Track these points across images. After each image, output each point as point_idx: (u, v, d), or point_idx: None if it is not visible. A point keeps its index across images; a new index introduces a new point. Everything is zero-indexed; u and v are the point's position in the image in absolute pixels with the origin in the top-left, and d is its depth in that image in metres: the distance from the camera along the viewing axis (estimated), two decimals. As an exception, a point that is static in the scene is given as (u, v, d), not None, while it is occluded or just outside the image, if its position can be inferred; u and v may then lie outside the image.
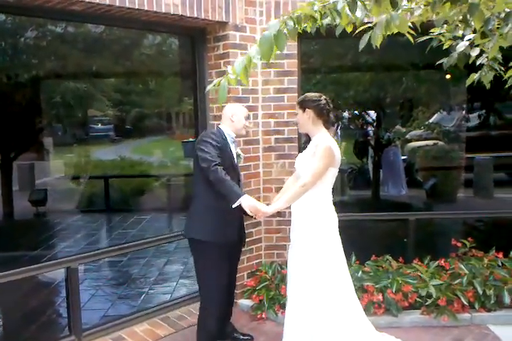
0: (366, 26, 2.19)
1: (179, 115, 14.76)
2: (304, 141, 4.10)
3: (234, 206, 3.09)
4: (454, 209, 7.03)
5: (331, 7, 2.03)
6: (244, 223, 3.63)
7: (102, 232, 7.60)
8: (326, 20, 2.11)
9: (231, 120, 3.40)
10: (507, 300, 4.00)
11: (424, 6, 2.15)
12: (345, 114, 8.12)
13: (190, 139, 6.06)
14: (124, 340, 3.77)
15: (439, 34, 2.55)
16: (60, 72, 8.12)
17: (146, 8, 3.48)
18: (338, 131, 8.62)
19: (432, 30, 2.57)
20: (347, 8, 1.99)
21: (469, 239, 4.48)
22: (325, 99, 3.24)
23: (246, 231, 3.78)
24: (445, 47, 2.59)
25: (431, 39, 2.59)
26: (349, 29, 2.21)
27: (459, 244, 4.46)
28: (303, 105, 3.22)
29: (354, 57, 6.48)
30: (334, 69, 7.19)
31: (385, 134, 7.93)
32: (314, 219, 3.17)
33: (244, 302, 4.30)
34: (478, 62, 2.56)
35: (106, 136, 14.74)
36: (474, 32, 2.26)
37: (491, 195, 7.95)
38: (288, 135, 4.41)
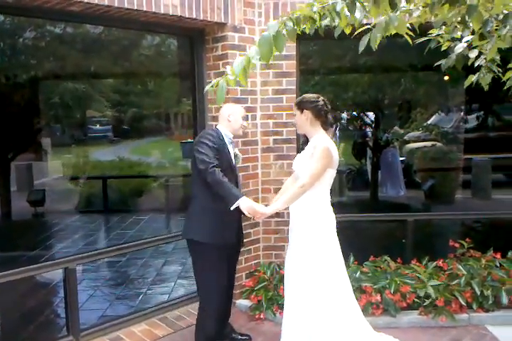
0: (365, 28, 2.20)
1: (178, 116, 14.75)
2: (302, 142, 4.10)
3: (232, 208, 3.10)
4: (452, 210, 7.05)
5: (330, 8, 2.04)
6: (243, 224, 3.63)
7: (100, 233, 7.59)
8: (325, 22, 2.12)
9: (228, 120, 3.40)
10: (505, 300, 4.00)
11: (423, 7, 2.15)
12: (344, 115, 8.13)
13: (189, 140, 6.07)
14: (122, 340, 3.77)
15: (438, 35, 2.56)
16: (58, 73, 8.12)
17: (144, 8, 3.49)
18: (337, 132, 8.63)
19: (430, 32, 2.58)
20: (346, 9, 2.00)
21: (467, 239, 4.49)
22: (323, 100, 3.24)
23: (244, 232, 3.78)
24: (443, 48, 2.59)
25: (429, 40, 2.59)
26: (348, 30, 2.22)
27: (457, 245, 4.47)
28: (301, 106, 3.23)
29: (353, 59, 6.49)
30: (333, 70, 7.20)
31: (384, 135, 7.94)
32: (312, 220, 3.18)
33: (242, 303, 4.30)
34: (476, 64, 2.57)
35: (104, 136, 14.74)
36: (473, 33, 2.26)
37: (489, 196, 7.97)
38: (286, 136, 4.42)
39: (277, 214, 4.07)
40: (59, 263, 3.64)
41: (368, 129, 8.28)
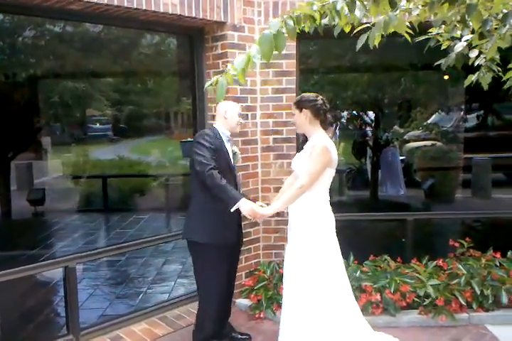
0: (364, 26, 2.20)
1: (177, 115, 14.75)
2: (301, 141, 4.10)
3: (232, 210, 3.10)
4: (452, 209, 7.05)
5: (330, 7, 2.04)
6: (242, 223, 3.63)
7: (100, 232, 7.59)
8: (325, 20, 2.11)
9: (224, 117, 3.39)
10: (505, 300, 4.00)
11: (422, 6, 2.15)
12: (344, 115, 8.13)
13: (189, 139, 6.05)
14: (122, 339, 3.77)
15: (437, 34, 2.56)
16: (58, 72, 8.12)
17: (144, 7, 3.48)
18: (337, 131, 8.63)
19: (429, 31, 2.58)
20: (346, 8, 2.00)
21: (467, 239, 4.49)
22: (322, 99, 3.23)
23: (244, 231, 3.78)
24: (443, 47, 2.59)
25: (429, 39, 2.59)
26: (347, 29, 2.22)
27: (457, 244, 4.47)
28: (300, 105, 3.22)
29: (352, 58, 6.48)
30: (332, 69, 7.20)
31: (384, 135, 7.94)
32: (311, 219, 3.17)
33: (242, 302, 4.30)
34: (476, 63, 2.57)
35: (104, 135, 14.73)
36: (472, 32, 2.26)
37: (489, 195, 7.97)
38: (286, 135, 4.41)
39: (277, 214, 4.05)
40: (59, 262, 3.65)
41: (367, 128, 8.28)
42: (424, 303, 3.97)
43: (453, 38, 2.50)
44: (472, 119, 8.67)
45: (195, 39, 4.28)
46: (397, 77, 7.07)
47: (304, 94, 3.32)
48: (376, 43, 2.14)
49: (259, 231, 4.50)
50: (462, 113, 8.69)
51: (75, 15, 3.53)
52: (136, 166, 10.83)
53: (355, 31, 2.24)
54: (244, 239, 3.80)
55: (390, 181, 7.81)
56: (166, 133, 14.29)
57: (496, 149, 7.85)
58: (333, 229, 3.24)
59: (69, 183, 9.79)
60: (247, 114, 4.30)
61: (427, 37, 2.61)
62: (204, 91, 4.22)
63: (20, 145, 7.62)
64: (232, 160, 3.42)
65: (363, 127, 8.30)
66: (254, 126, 4.38)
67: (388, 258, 4.45)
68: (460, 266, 4.19)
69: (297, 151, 3.94)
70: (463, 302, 3.97)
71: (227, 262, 3.41)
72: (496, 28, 2.10)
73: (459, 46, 2.38)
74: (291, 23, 2.05)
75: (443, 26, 2.47)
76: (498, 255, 4.41)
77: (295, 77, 4.38)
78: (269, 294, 4.13)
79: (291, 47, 4.25)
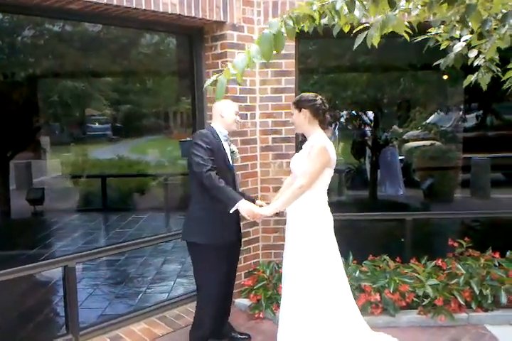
0: (363, 26, 2.20)
1: (177, 114, 14.72)
2: (300, 141, 4.10)
3: (231, 211, 3.10)
4: (451, 209, 7.06)
5: (329, 7, 2.04)
6: (242, 222, 3.63)
7: (99, 231, 7.59)
8: (324, 20, 2.12)
9: (221, 116, 3.38)
10: (504, 300, 4.01)
11: (422, 6, 2.15)
12: (343, 114, 8.13)
13: (188, 138, 6.05)
14: (122, 339, 3.77)
15: (436, 34, 2.56)
16: (57, 71, 8.11)
17: (143, 7, 3.48)
18: (336, 131, 8.64)
19: (429, 31, 2.58)
20: (345, 8, 2.00)
21: (466, 239, 4.49)
22: (321, 99, 3.23)
23: (243, 231, 3.79)
24: (442, 47, 2.59)
25: (428, 39, 2.59)
26: (346, 29, 2.22)
27: (456, 244, 4.47)
28: (299, 105, 3.22)
29: (352, 58, 6.49)
30: (332, 69, 7.19)
31: (383, 134, 7.95)
32: (309, 219, 3.17)
33: (241, 302, 4.30)
34: (475, 64, 2.57)
35: (103, 135, 14.71)
36: (471, 33, 2.26)
37: (488, 195, 7.97)
38: (285, 134, 4.41)
39: (276, 213, 4.06)
40: (58, 262, 3.64)
41: (367, 128, 8.28)
42: (424, 303, 3.97)
43: (452, 38, 2.50)
44: (471, 119, 8.68)
45: (195, 39, 4.28)
46: (396, 76, 7.07)
47: (303, 93, 3.32)
48: (375, 43, 2.14)
49: (258, 231, 4.50)
50: (461, 113, 8.69)
51: (75, 15, 3.53)
52: (136, 166, 10.83)
53: (354, 31, 2.24)
54: (243, 239, 3.81)
55: (389, 181, 7.81)
56: (165, 133, 14.28)
57: (495, 149, 7.85)
58: (332, 229, 3.24)
59: (68, 183, 9.79)
60: (247, 114, 4.30)
61: (426, 37, 2.61)
62: (203, 91, 4.22)
63: (20, 144, 7.62)
64: (230, 159, 3.41)
65: (362, 127, 8.30)
66: (254, 125, 4.38)
67: (387, 258, 4.45)
68: (459, 266, 4.20)
69: (296, 151, 3.94)
70: (462, 302, 3.97)
71: (226, 262, 3.41)
72: (495, 29, 2.10)
73: (458, 46, 2.38)
74: (290, 23, 2.05)
75: (442, 26, 2.48)
76: (497, 255, 4.41)
77: (294, 77, 4.38)
78: (269, 294, 4.13)
79: (290, 47, 4.25)
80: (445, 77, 6.82)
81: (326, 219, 3.21)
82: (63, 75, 8.42)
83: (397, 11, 2.04)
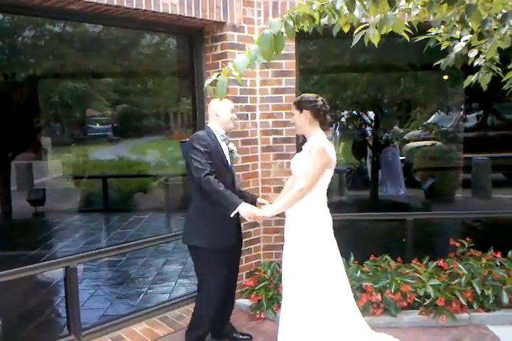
0: (363, 26, 2.20)
1: (177, 115, 14.74)
2: (301, 141, 4.10)
3: (232, 215, 3.10)
4: (452, 209, 7.06)
5: (329, 6, 2.04)
6: (242, 223, 3.62)
7: (100, 232, 7.60)
8: (324, 20, 2.11)
9: (216, 115, 3.36)
10: (505, 300, 4.00)
11: (421, 6, 2.15)
12: (344, 114, 8.13)
13: (188, 139, 6.05)
14: (123, 340, 3.77)
15: (437, 34, 2.56)
16: (58, 72, 8.12)
17: (144, 7, 3.49)
18: (337, 131, 8.64)
19: (429, 31, 2.58)
20: (345, 8, 2.00)
21: (467, 239, 4.48)
22: (322, 100, 3.22)
23: (244, 232, 3.78)
24: (442, 48, 2.59)
25: (428, 39, 2.59)
26: (346, 29, 2.22)
27: (458, 244, 4.47)
28: (300, 106, 3.21)
29: (352, 58, 6.49)
30: (332, 69, 7.20)
31: (384, 134, 7.95)
32: (308, 219, 3.17)
33: (243, 302, 4.30)
34: (475, 64, 2.56)
35: (104, 135, 14.73)
36: (472, 33, 2.26)
37: (489, 195, 7.97)
38: (286, 135, 4.41)
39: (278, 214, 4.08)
40: (60, 262, 3.64)
41: (367, 128, 8.28)
42: (425, 303, 3.96)
43: (452, 39, 2.50)
44: (472, 119, 8.68)
45: (195, 39, 4.28)
46: (396, 77, 7.08)
47: (303, 94, 3.31)
48: (376, 43, 2.14)
49: (259, 232, 4.50)
50: (462, 113, 8.69)
51: (75, 16, 3.54)
52: (136, 166, 10.83)
53: (355, 31, 2.24)
54: (244, 240, 3.81)
55: (390, 181, 7.81)
56: (165, 134, 14.29)
57: (496, 149, 7.84)
58: (331, 230, 3.23)
59: (69, 183, 9.80)
60: (247, 114, 4.30)
61: (426, 37, 2.61)
62: (204, 92, 4.22)
63: (20, 145, 7.63)
64: (228, 159, 3.40)
65: (363, 127, 8.30)
66: (254, 126, 4.38)
67: (389, 258, 4.44)
68: (461, 266, 4.19)
69: (297, 151, 3.94)
70: (464, 303, 3.96)
71: (227, 266, 3.40)
72: (495, 29, 2.10)
73: (458, 46, 2.38)
74: (290, 23, 2.05)
75: (442, 26, 2.47)
76: (499, 255, 4.40)
77: (295, 77, 4.38)
78: (270, 294, 4.13)
79: (290, 47, 4.25)
80: (445, 77, 6.82)
81: (325, 220, 3.21)
82: (64, 76, 8.44)
83: (397, 10, 2.04)
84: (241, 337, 3.72)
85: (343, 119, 8.26)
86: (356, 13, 2.03)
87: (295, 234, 3.21)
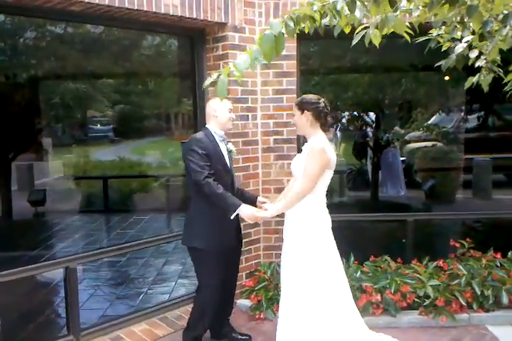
0: (364, 26, 2.20)
1: (178, 116, 14.76)
2: (302, 142, 4.10)
3: (232, 217, 3.10)
4: (452, 210, 7.05)
5: (330, 7, 2.04)
6: (242, 224, 3.62)
7: (100, 232, 7.60)
8: (325, 21, 2.12)
9: (214, 115, 3.34)
10: (505, 300, 4.00)
11: (423, 7, 2.15)
12: (345, 115, 8.14)
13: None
14: (123, 340, 3.77)
15: (438, 35, 2.56)
16: (59, 73, 8.14)
17: (145, 8, 3.49)
18: (338, 132, 8.64)
19: (430, 32, 2.58)
20: (346, 8, 2.00)
21: (468, 239, 4.48)
22: (323, 101, 3.21)
23: (244, 232, 3.78)
24: (444, 48, 2.59)
25: (429, 40, 2.59)
26: (347, 30, 2.22)
27: (458, 245, 4.47)
28: (301, 107, 3.20)
29: (353, 59, 6.50)
30: (333, 70, 7.20)
31: (384, 135, 7.95)
32: (307, 220, 3.16)
33: (242, 303, 4.30)
34: (476, 65, 2.57)
35: (105, 136, 14.75)
36: (473, 34, 2.26)
37: (490, 196, 7.97)
38: (287, 136, 4.42)
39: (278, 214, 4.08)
40: (60, 263, 3.65)
41: (368, 129, 8.29)
42: (425, 304, 3.97)
43: (453, 39, 2.50)
44: (473, 120, 8.69)
45: (196, 40, 4.28)
46: (397, 77, 7.08)
47: (305, 95, 3.30)
48: (377, 43, 2.14)
49: (259, 232, 4.50)
50: (463, 114, 8.70)
51: (76, 17, 3.54)
52: (137, 167, 10.84)
53: (356, 32, 2.24)
54: (244, 240, 3.81)
55: (390, 182, 7.82)
56: (166, 134, 14.30)
57: (497, 150, 7.85)
58: (330, 230, 3.23)
59: (70, 184, 9.80)
60: (248, 115, 4.30)
61: (427, 38, 2.61)
62: (205, 92, 4.22)
63: (21, 146, 7.64)
64: (227, 159, 3.39)
65: (364, 128, 8.31)
66: (255, 126, 4.39)
67: (389, 258, 4.45)
68: (460, 267, 4.19)
69: (298, 152, 3.94)
70: (463, 303, 3.97)
71: (226, 267, 3.40)
72: (496, 30, 2.10)
73: (460, 47, 2.38)
74: (291, 23, 2.05)
75: (443, 27, 2.47)
76: (499, 255, 4.40)
77: (296, 78, 4.38)
78: (270, 295, 4.13)
79: (291, 48, 4.24)
80: (446, 78, 6.83)
81: (324, 221, 3.21)
82: (65, 77, 8.46)
83: (398, 11, 2.04)
84: (240, 337, 3.72)
85: (343, 120, 8.26)
86: (357, 13, 2.03)
87: (294, 234, 3.21)
